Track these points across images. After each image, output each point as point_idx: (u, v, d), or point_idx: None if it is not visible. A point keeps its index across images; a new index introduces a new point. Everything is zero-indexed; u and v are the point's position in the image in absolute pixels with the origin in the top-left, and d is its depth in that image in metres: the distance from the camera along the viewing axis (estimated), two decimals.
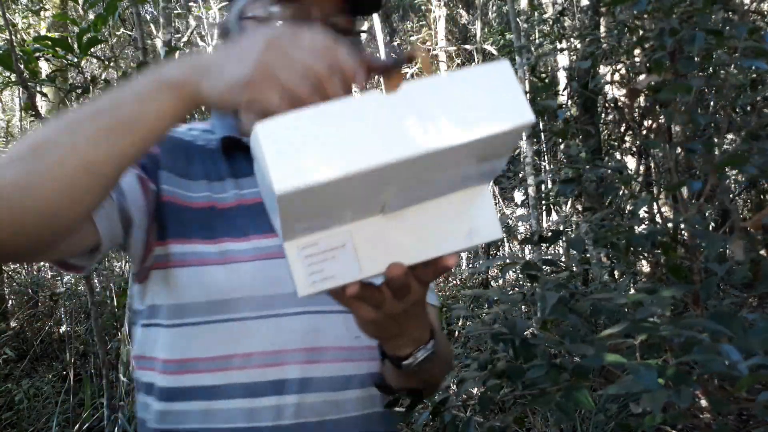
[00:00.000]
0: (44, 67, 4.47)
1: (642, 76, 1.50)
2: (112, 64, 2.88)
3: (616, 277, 3.30)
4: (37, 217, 0.54)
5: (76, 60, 2.27)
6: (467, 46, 8.21)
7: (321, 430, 0.81)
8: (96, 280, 4.31)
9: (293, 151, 0.43)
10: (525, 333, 0.82)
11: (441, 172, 0.48)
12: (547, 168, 5.78)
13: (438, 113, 0.44)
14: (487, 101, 0.45)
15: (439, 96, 0.45)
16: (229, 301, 0.77)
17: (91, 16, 3.96)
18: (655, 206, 2.22)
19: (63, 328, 4.11)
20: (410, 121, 0.44)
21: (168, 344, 0.80)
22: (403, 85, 0.45)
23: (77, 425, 2.82)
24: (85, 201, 0.56)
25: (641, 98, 1.48)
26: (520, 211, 6.87)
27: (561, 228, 1.06)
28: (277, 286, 0.77)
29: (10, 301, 4.48)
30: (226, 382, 0.78)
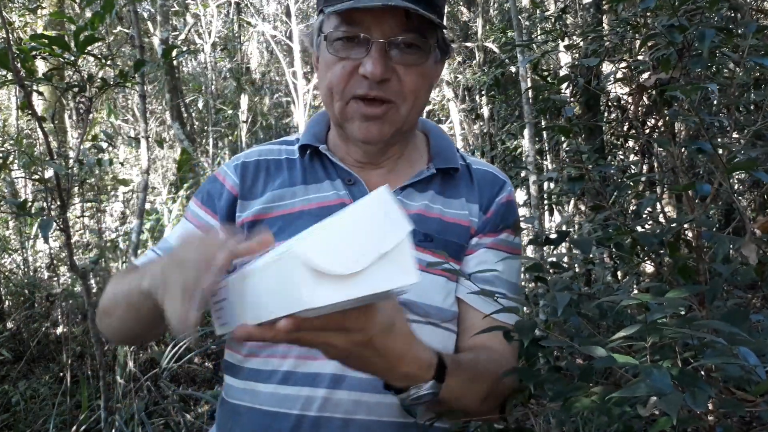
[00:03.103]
0: (41, 66, 4.45)
1: (646, 74, 1.48)
2: (109, 62, 2.86)
3: (619, 278, 3.28)
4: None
5: (73, 58, 2.24)
6: (468, 44, 8.19)
7: (346, 428, 0.82)
8: (93, 281, 4.29)
9: None
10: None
11: None
12: (550, 167, 5.77)
13: None
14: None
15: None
16: None
17: (88, 14, 3.94)
18: (658, 206, 2.20)
19: (60, 330, 4.09)
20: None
21: None
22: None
23: (74, 427, 2.80)
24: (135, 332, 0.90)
25: (645, 97, 1.46)
26: (521, 211, 6.85)
27: (564, 228, 1.04)
28: None
29: (6, 302, 4.45)
30: (269, 368, 0.86)
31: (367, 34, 0.80)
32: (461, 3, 8.66)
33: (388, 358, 0.64)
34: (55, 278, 4.72)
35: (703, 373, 0.93)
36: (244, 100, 8.29)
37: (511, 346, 0.89)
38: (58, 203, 2.27)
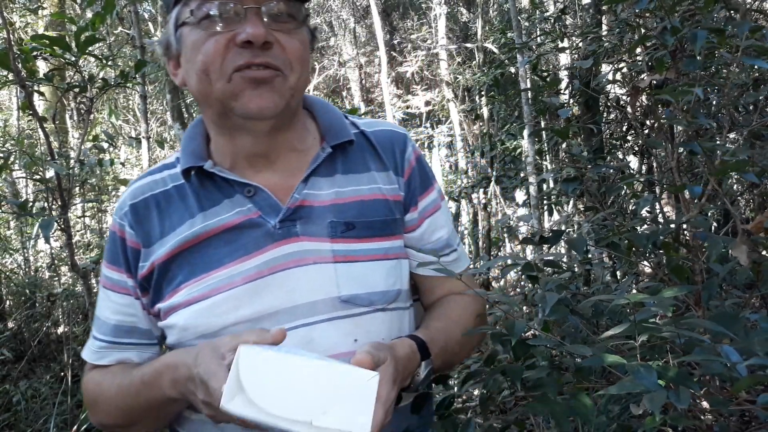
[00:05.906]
0: (42, 66, 4.46)
1: (643, 75, 1.48)
2: (110, 62, 2.87)
3: (618, 277, 3.28)
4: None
5: (73, 59, 2.25)
6: (468, 45, 8.19)
7: None
8: (94, 281, 4.29)
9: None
10: (526, 334, 0.81)
11: None
12: (549, 167, 5.76)
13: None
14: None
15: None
16: (221, 330, 0.81)
17: (89, 14, 3.95)
18: (657, 206, 2.20)
19: (60, 329, 4.10)
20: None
21: None
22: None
23: (75, 426, 2.81)
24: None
25: (643, 97, 1.46)
26: (521, 211, 6.85)
27: (563, 228, 1.05)
28: (262, 306, 0.81)
29: (7, 302, 4.46)
30: None
31: (239, 2, 0.76)
32: (461, 3, 8.65)
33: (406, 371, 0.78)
34: (56, 278, 4.73)
35: (698, 372, 0.94)
36: None
37: (471, 284, 0.97)
38: (59, 203, 2.28)
